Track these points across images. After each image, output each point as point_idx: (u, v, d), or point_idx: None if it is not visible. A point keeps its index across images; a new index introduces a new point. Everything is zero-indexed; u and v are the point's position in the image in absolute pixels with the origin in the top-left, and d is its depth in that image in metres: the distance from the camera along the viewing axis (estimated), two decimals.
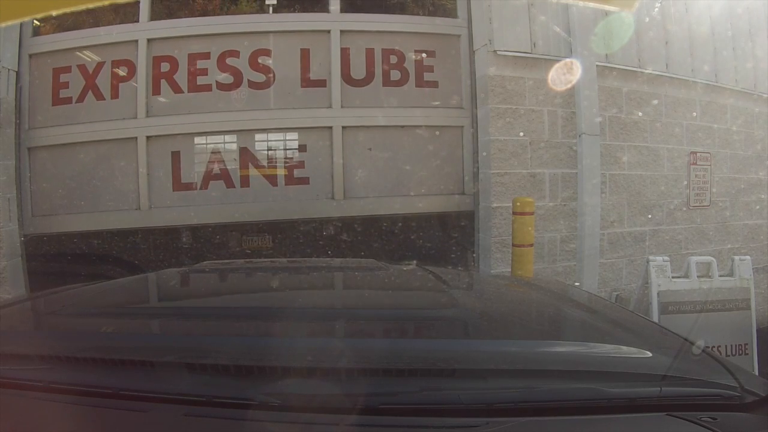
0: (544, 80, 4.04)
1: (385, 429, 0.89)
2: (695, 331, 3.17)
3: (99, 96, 4.02)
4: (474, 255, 4.32)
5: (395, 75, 4.20)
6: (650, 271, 3.37)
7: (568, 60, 4.04)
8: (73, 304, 1.45)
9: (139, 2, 3.99)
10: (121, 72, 4.02)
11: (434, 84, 4.26)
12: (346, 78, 4.14)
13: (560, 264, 4.20)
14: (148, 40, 3.99)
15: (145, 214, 4.03)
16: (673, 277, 3.39)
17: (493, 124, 4.05)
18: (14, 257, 3.81)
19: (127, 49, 4.01)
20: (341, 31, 4.12)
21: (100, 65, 4.02)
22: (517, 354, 1.05)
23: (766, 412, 0.94)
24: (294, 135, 4.15)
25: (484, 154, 4.12)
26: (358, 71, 4.17)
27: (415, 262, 2.23)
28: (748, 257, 3.59)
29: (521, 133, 4.09)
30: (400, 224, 4.43)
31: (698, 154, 4.81)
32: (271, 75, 4.09)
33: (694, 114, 4.76)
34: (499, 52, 4.05)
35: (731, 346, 3.38)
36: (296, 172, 4.16)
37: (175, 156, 4.07)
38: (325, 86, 4.13)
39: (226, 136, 4.10)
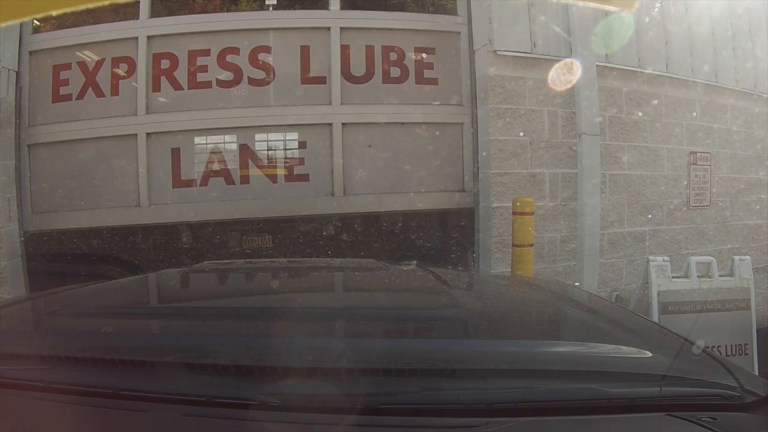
0: (544, 80, 4.04)
1: (385, 429, 0.89)
2: (695, 331, 3.17)
3: (99, 93, 4.03)
4: (474, 255, 4.32)
5: (395, 72, 4.21)
6: (650, 271, 3.37)
7: (568, 60, 4.04)
8: (73, 304, 1.45)
9: (139, 1, 4.00)
10: (121, 69, 4.03)
11: (434, 81, 4.26)
12: (346, 75, 4.14)
13: (560, 264, 4.20)
14: (148, 37, 3.99)
15: (145, 211, 4.03)
16: (673, 277, 3.39)
17: (493, 124, 4.05)
18: (14, 257, 3.81)
19: (127, 46, 4.01)
20: (341, 28, 4.12)
21: (100, 62, 4.03)
22: (517, 354, 1.05)
23: (766, 412, 0.94)
24: (294, 132, 4.15)
25: (484, 154, 4.12)
26: (358, 68, 4.17)
27: (415, 262, 2.23)
28: (748, 257, 3.59)
29: (521, 133, 4.09)
30: (400, 221, 4.43)
31: (698, 154, 4.81)
32: (271, 72, 4.09)
33: (694, 114, 4.76)
34: (499, 52, 4.05)
35: (731, 346, 3.38)
36: (296, 169, 4.17)
37: (175, 153, 4.07)
38: (325, 83, 4.12)
39: (226, 133, 4.10)
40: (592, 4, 0.55)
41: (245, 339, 1.15)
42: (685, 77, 4.68)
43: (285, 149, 4.16)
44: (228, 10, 4.45)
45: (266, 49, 4.09)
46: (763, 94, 5.17)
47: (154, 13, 4.10)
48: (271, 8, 4.23)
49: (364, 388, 0.92)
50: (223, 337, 1.18)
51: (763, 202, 5.17)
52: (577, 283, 3.97)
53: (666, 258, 3.45)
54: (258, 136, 4.13)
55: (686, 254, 4.32)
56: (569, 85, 4.02)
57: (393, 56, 4.20)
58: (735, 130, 5.04)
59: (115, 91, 4.02)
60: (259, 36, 4.10)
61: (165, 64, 4.02)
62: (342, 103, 4.12)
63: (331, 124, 4.12)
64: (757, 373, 3.01)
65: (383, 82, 4.18)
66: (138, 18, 4.02)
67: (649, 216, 4.55)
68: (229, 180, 4.11)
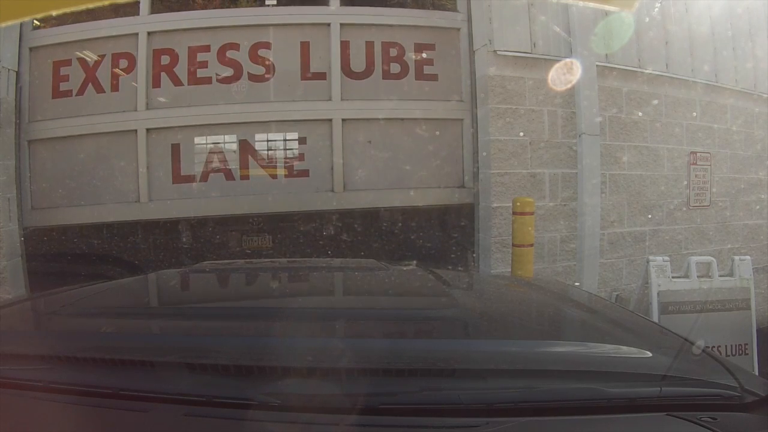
0: (544, 80, 4.04)
1: (385, 429, 0.89)
2: (695, 331, 3.17)
3: (99, 89, 4.03)
4: (474, 255, 4.32)
5: (395, 68, 4.21)
6: (650, 271, 3.37)
7: (568, 60, 4.04)
8: (73, 304, 1.45)
9: (138, 2, 4.00)
10: (122, 65, 4.03)
11: (434, 77, 4.26)
12: (346, 71, 4.14)
13: (560, 264, 4.20)
14: (149, 33, 3.99)
15: (145, 206, 4.03)
16: (673, 277, 3.39)
17: (493, 124, 4.05)
18: (14, 257, 3.81)
19: (127, 42, 4.01)
20: (341, 24, 4.12)
21: (100, 58, 4.03)
22: (517, 354, 1.05)
23: (766, 412, 0.94)
24: (294, 128, 4.15)
25: (484, 154, 4.12)
26: (357, 64, 4.17)
27: (415, 262, 2.23)
28: (748, 257, 3.59)
29: (521, 133, 4.09)
30: (399, 217, 4.43)
31: (698, 154, 4.81)
32: (271, 68, 4.09)
33: (694, 114, 4.76)
34: (499, 52, 4.05)
35: (731, 346, 3.38)
36: (296, 165, 4.17)
37: (175, 149, 4.07)
38: (325, 79, 4.13)
39: (225, 129, 4.10)
40: (592, 4, 0.55)
41: (245, 339, 1.15)
42: (685, 77, 4.68)
43: (285, 145, 4.16)
44: (228, 6, 4.45)
45: (266, 46, 4.09)
46: (763, 94, 5.17)
47: (155, 9, 4.11)
48: (271, 4, 4.24)
49: (364, 388, 0.92)
50: (223, 337, 1.18)
51: (763, 202, 5.17)
52: (577, 283, 3.97)
53: (666, 258, 3.45)
54: (258, 132, 4.13)
55: (686, 254, 4.32)
56: (569, 85, 4.02)
57: (393, 52, 4.20)
58: (735, 130, 5.04)
59: (115, 87, 4.03)
60: (259, 32, 4.11)
61: (165, 60, 4.03)
62: (342, 99, 4.13)
63: (331, 120, 4.12)
64: (757, 373, 3.01)
65: (383, 79, 4.18)
66: (138, 14, 4.02)
67: (649, 216, 4.55)
68: (228, 176, 4.11)
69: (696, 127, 4.80)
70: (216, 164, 4.10)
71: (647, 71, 4.45)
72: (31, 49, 4.00)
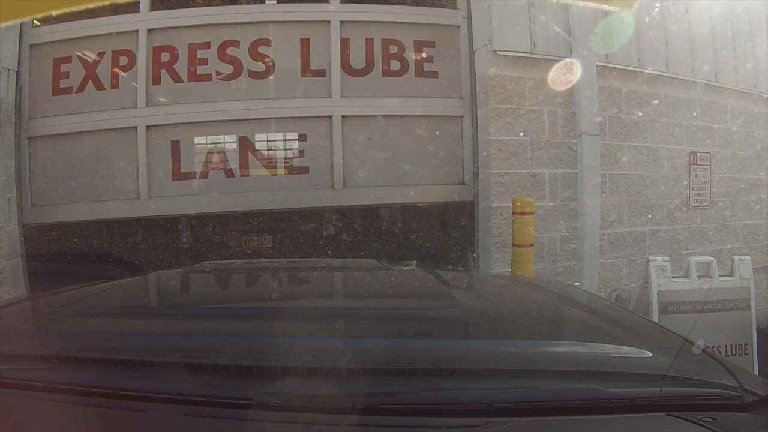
0: (544, 80, 4.04)
1: (385, 429, 0.89)
2: (695, 331, 3.17)
3: (99, 86, 4.03)
4: (474, 255, 4.32)
5: (395, 65, 4.21)
6: (650, 271, 3.37)
7: (568, 60, 4.04)
8: (73, 304, 1.45)
9: (139, 0, 4.00)
10: (122, 62, 4.03)
11: (434, 74, 4.26)
12: (346, 68, 4.15)
13: (560, 264, 4.20)
14: (149, 30, 4.00)
15: (145, 203, 4.03)
16: (673, 277, 3.39)
17: (493, 124, 4.05)
18: (14, 257, 3.81)
19: (127, 39, 4.01)
20: (341, 22, 4.13)
21: (100, 55, 4.03)
22: (517, 354, 1.05)
23: (766, 412, 0.94)
24: (294, 125, 4.15)
25: (484, 154, 4.12)
26: (357, 61, 4.17)
27: (415, 262, 2.24)
28: (748, 257, 3.59)
29: (521, 133, 4.09)
30: (399, 217, 4.43)
31: (698, 154, 4.81)
32: (271, 65, 4.09)
33: (694, 114, 4.76)
34: (499, 52, 4.05)
35: (731, 346, 3.38)
36: (296, 162, 4.17)
37: (175, 145, 4.07)
38: (324, 76, 4.13)
39: (225, 126, 4.11)
40: (592, 4, 0.55)
41: (245, 339, 1.15)
42: (685, 77, 4.68)
43: (285, 143, 4.16)
44: (228, 4, 4.45)
45: (266, 42, 4.09)
46: (763, 94, 5.17)
47: (155, 7, 4.11)
48: (271, 2, 4.24)
49: (364, 388, 0.92)
50: (223, 337, 1.18)
51: (763, 202, 5.17)
52: (577, 283, 3.97)
53: (666, 258, 3.45)
54: (258, 129, 4.13)
55: (686, 254, 4.32)
56: (569, 85, 4.02)
57: (393, 50, 4.21)
58: (735, 130, 5.04)
59: (115, 84, 4.03)
60: (259, 29, 4.11)
61: (165, 57, 4.03)
62: (342, 96, 4.13)
63: (330, 117, 4.12)
64: (757, 373, 3.01)
65: (383, 75, 4.19)
66: (138, 11, 4.03)
67: (649, 216, 4.55)
68: (228, 173, 4.11)
69: (696, 127, 4.80)
70: (216, 161, 4.10)
71: (647, 71, 4.45)
72: (31, 46, 4.00)
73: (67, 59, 4.03)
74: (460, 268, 4.09)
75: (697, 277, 3.40)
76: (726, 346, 3.36)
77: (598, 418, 0.90)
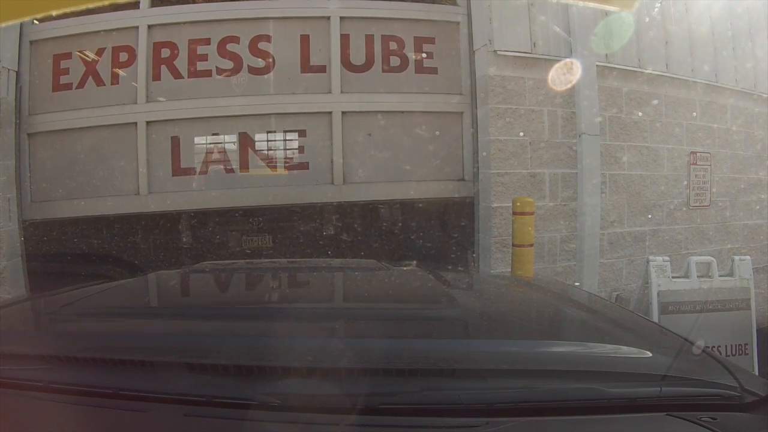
0: (544, 80, 4.04)
1: (385, 429, 0.89)
2: (695, 331, 3.17)
3: (99, 82, 4.03)
4: (474, 255, 4.32)
5: (395, 61, 4.21)
6: (650, 271, 3.37)
7: (568, 60, 4.04)
8: (73, 304, 1.45)
9: (138, 0, 4.00)
10: (122, 58, 4.03)
11: (434, 70, 4.26)
12: (346, 64, 4.15)
13: (560, 264, 4.20)
14: (149, 26, 4.00)
15: (144, 199, 4.03)
16: (673, 277, 3.39)
17: (493, 124, 4.05)
18: (14, 257, 3.81)
19: (127, 35, 4.02)
20: (341, 18, 4.13)
21: (100, 51, 4.03)
22: (517, 354, 1.05)
23: (766, 412, 0.94)
24: (294, 121, 4.15)
25: (484, 154, 4.12)
26: (357, 57, 4.17)
27: (415, 262, 2.24)
28: (748, 257, 3.59)
29: (521, 133, 4.09)
30: (399, 214, 4.43)
31: (698, 154, 4.81)
32: (271, 61, 4.09)
33: (694, 114, 4.76)
34: (499, 52, 4.05)
35: (731, 346, 3.38)
36: (296, 158, 4.17)
37: (175, 141, 4.07)
38: (324, 72, 4.13)
39: (225, 122, 4.10)
40: (592, 4, 0.55)
41: (245, 339, 1.15)
42: (685, 77, 4.68)
43: (285, 138, 4.16)
44: (228, 0, 4.46)
45: (266, 38, 4.10)
46: (763, 94, 5.17)
47: (155, 3, 4.11)
48: None
49: (364, 388, 0.92)
50: (223, 337, 1.17)
51: (763, 202, 5.17)
52: (577, 283, 3.97)
53: (666, 258, 3.45)
54: (258, 125, 4.13)
55: (686, 254, 4.32)
56: (569, 85, 4.02)
57: (393, 46, 4.21)
58: (735, 130, 5.04)
59: (115, 80, 4.03)
60: (259, 25, 4.11)
61: (165, 53, 4.03)
62: (342, 92, 4.13)
63: (330, 113, 4.12)
64: (757, 373, 3.01)
65: (383, 71, 4.19)
66: (138, 7, 4.03)
67: (649, 216, 4.55)
68: (228, 169, 4.11)
69: (696, 127, 4.80)
70: (216, 157, 4.10)
71: (647, 71, 4.45)
72: (31, 42, 4.00)
73: (67, 55, 4.03)
74: (460, 268, 4.09)
75: (697, 277, 3.40)
76: (726, 346, 3.36)
77: (598, 418, 0.90)
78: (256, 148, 4.13)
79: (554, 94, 4.08)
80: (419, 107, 4.21)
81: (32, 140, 4.04)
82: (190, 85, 4.04)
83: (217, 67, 4.04)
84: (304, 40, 4.13)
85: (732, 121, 5.02)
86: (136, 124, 4.01)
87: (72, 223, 4.21)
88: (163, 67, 4.03)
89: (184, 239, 4.25)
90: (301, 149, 4.16)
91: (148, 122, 4.01)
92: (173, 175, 4.06)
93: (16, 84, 3.94)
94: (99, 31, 4.01)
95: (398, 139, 4.21)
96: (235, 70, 4.06)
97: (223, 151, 4.10)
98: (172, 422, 0.90)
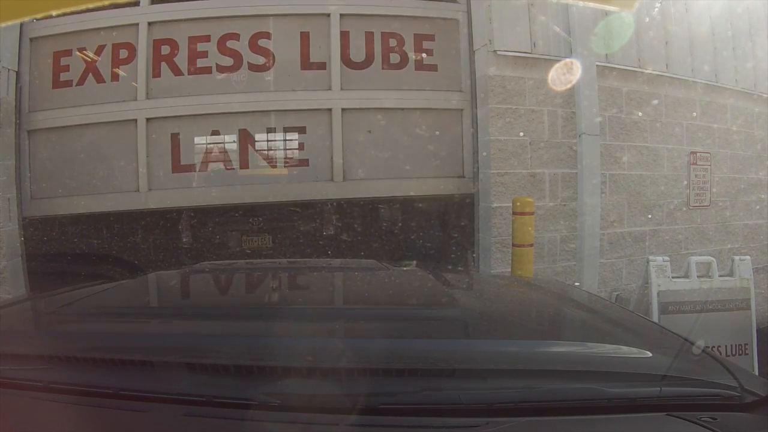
0: (544, 80, 4.04)
1: (385, 429, 0.89)
2: (695, 331, 3.17)
3: (99, 79, 4.04)
4: (474, 255, 4.32)
5: (395, 58, 4.21)
6: (650, 271, 3.37)
7: (568, 60, 4.03)
8: (73, 304, 1.45)
9: (138, 0, 4.00)
10: (122, 55, 4.03)
11: (433, 68, 4.26)
12: (346, 61, 4.15)
13: (560, 264, 4.20)
14: (149, 24, 4.00)
15: (144, 196, 4.03)
16: (673, 277, 3.38)
17: (493, 124, 4.05)
18: (14, 257, 3.81)
19: (127, 32, 4.02)
20: (341, 15, 4.13)
21: (100, 48, 4.03)
22: (517, 354, 1.05)
23: (766, 412, 0.94)
24: (294, 117, 4.15)
25: (484, 153, 4.12)
26: (357, 54, 4.18)
27: (415, 262, 2.24)
28: (748, 257, 3.59)
29: (521, 133, 4.09)
30: (399, 213, 4.43)
31: (698, 154, 4.81)
32: (271, 58, 4.10)
33: (694, 114, 4.76)
34: (499, 52, 4.05)
35: (731, 346, 3.37)
36: (296, 154, 4.17)
37: (175, 138, 4.07)
38: (324, 69, 4.13)
39: (225, 119, 4.11)
40: (592, 4, 0.56)
41: (245, 339, 1.14)
42: (685, 77, 4.68)
43: (285, 135, 4.16)
44: None
45: (266, 36, 4.10)
46: (763, 94, 5.17)
47: (155, 0, 4.11)
48: None
49: (364, 388, 0.92)
50: (223, 337, 1.17)
51: (763, 202, 5.17)
52: (577, 283, 3.97)
53: (666, 258, 3.45)
54: (258, 122, 4.13)
55: (686, 254, 4.32)
56: (569, 85, 4.02)
57: (392, 43, 4.21)
58: (735, 130, 5.04)
59: (115, 76, 4.04)
60: (259, 22, 4.11)
61: (165, 50, 4.03)
62: (342, 89, 4.13)
63: (330, 110, 4.13)
64: (757, 373, 3.01)
65: (383, 68, 4.19)
66: (139, 4, 4.03)
67: (649, 216, 4.55)
68: (228, 165, 4.11)
69: (696, 127, 4.80)
70: (216, 154, 4.10)
71: (647, 71, 4.45)
72: (31, 39, 4.00)
73: (68, 52, 4.03)
74: (460, 268, 4.09)
75: (697, 277, 3.40)
76: (726, 346, 3.36)
77: (598, 418, 0.90)
78: (256, 146, 4.13)
79: (554, 94, 4.08)
80: (419, 104, 4.21)
81: (32, 137, 4.04)
82: (190, 82, 4.04)
83: (217, 64, 4.05)
84: (304, 37, 4.13)
85: (732, 121, 5.02)
86: (136, 121, 4.01)
87: (72, 222, 4.20)
88: (163, 64, 4.03)
89: (184, 239, 4.25)
90: (301, 146, 4.16)
91: (148, 119, 4.01)
92: (173, 172, 4.06)
93: (16, 84, 3.94)
94: (99, 28, 4.02)
95: (398, 137, 4.21)
96: (235, 67, 4.06)
97: (223, 148, 4.11)
98: (172, 422, 0.90)
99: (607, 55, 4.27)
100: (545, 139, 4.16)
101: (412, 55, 4.23)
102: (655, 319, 3.22)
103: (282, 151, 4.16)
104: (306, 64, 4.13)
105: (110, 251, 4.23)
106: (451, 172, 4.31)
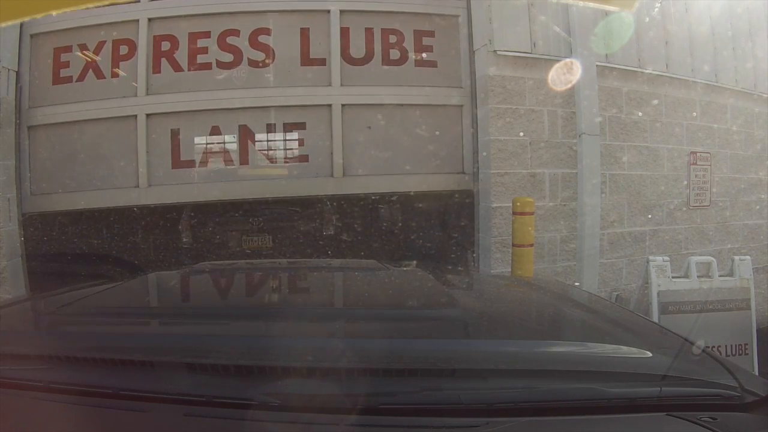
0: (544, 80, 4.04)
1: (385, 429, 0.89)
2: (695, 331, 3.17)
3: (99, 75, 4.04)
4: (474, 255, 4.32)
5: (394, 54, 4.22)
6: (650, 271, 3.37)
7: (568, 60, 4.03)
8: (73, 304, 1.45)
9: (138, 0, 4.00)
10: (122, 51, 4.03)
11: (433, 64, 4.27)
12: (346, 57, 4.15)
13: (560, 264, 4.20)
14: (149, 20, 4.00)
15: (144, 191, 4.03)
16: (673, 277, 3.38)
17: (493, 124, 4.05)
18: (14, 257, 3.81)
19: (128, 28, 4.02)
20: (341, 11, 4.14)
21: (101, 44, 4.03)
22: (517, 354, 1.05)
23: (766, 412, 0.94)
24: (294, 113, 4.15)
25: (484, 154, 4.12)
26: (357, 50, 4.18)
27: (415, 262, 2.24)
28: (748, 257, 3.59)
29: (521, 133, 4.09)
30: (399, 213, 4.43)
31: (698, 154, 4.81)
32: (271, 54, 4.09)
33: (694, 114, 4.76)
34: (499, 52, 4.05)
35: (731, 346, 3.37)
36: (295, 150, 4.17)
37: (175, 134, 4.07)
38: (324, 65, 4.13)
39: (225, 115, 4.10)
40: (592, 4, 0.55)
41: (245, 339, 1.15)
42: (685, 77, 4.68)
43: (284, 131, 4.16)
44: None
45: (266, 31, 4.10)
46: (763, 94, 5.17)
47: None
48: None
49: (364, 388, 0.92)
50: (223, 337, 1.18)
51: (763, 202, 5.17)
52: (577, 283, 3.97)
53: (666, 258, 3.45)
54: (258, 118, 4.13)
55: (686, 254, 4.32)
56: (569, 85, 4.02)
57: (392, 39, 4.21)
58: (735, 130, 5.04)
59: (115, 73, 4.04)
60: (260, 18, 4.11)
61: (165, 46, 4.03)
62: (342, 85, 4.13)
63: (330, 106, 4.12)
64: (757, 373, 3.01)
65: (383, 64, 4.19)
66: (139, 1, 4.03)
67: (649, 216, 4.55)
68: (228, 161, 4.11)
69: (696, 127, 4.80)
70: (215, 150, 4.10)
71: (647, 71, 4.45)
72: (32, 36, 4.00)
73: (68, 49, 4.03)
74: (460, 268, 4.09)
75: (697, 277, 3.40)
76: (726, 346, 3.36)
77: (598, 418, 0.90)
78: (256, 141, 4.13)
79: (554, 94, 4.08)
80: (419, 100, 4.21)
81: (32, 133, 4.04)
82: (190, 78, 4.04)
83: (217, 60, 4.05)
84: (304, 33, 4.13)
85: (732, 121, 5.02)
86: (136, 116, 4.01)
87: (72, 222, 4.20)
88: (164, 60, 4.03)
89: (184, 239, 4.25)
90: (301, 142, 4.16)
91: (148, 115, 4.01)
92: (173, 168, 4.06)
93: (16, 84, 3.94)
94: (100, 25, 4.01)
95: (398, 133, 4.21)
96: (235, 63, 4.06)
97: (223, 144, 4.11)
98: (172, 422, 0.90)
99: (607, 55, 4.27)
100: (545, 139, 4.16)
101: (412, 52, 4.23)
102: (655, 319, 3.22)
103: (282, 147, 4.16)
104: (306, 60, 4.13)
105: (110, 251, 4.23)
106: (451, 169, 4.31)
